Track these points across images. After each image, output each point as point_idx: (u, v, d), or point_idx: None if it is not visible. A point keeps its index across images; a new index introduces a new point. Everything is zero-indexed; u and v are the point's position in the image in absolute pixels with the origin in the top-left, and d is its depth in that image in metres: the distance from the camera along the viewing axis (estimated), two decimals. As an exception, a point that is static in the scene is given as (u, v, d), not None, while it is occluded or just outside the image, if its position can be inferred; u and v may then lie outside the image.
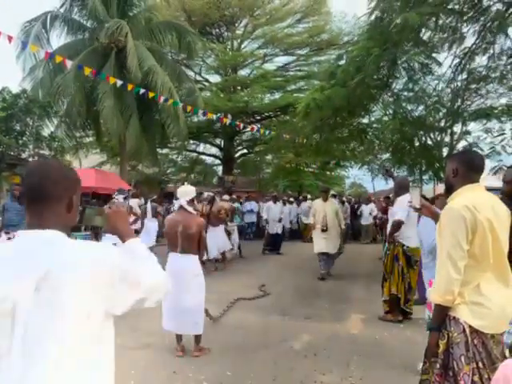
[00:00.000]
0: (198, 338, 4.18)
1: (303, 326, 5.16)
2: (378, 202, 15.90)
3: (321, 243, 8.15)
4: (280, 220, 12.13)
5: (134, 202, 12.11)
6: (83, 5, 14.22)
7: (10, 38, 8.01)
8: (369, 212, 14.93)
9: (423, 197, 3.47)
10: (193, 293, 4.08)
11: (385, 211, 8.23)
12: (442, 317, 2.06)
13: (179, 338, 4.22)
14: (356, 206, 16.52)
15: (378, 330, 5.01)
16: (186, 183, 4.61)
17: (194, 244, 4.11)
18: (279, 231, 12.18)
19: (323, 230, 8.07)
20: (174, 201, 3.63)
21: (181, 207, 4.18)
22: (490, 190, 2.25)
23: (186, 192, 4.21)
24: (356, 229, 15.79)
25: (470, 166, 2.18)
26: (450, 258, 2.01)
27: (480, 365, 1.94)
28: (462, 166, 2.19)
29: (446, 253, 2.03)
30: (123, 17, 13.95)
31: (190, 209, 4.19)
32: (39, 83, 13.34)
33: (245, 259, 10.75)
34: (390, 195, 9.53)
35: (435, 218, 2.39)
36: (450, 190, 2.25)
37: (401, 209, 5.27)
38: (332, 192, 18.69)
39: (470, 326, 1.98)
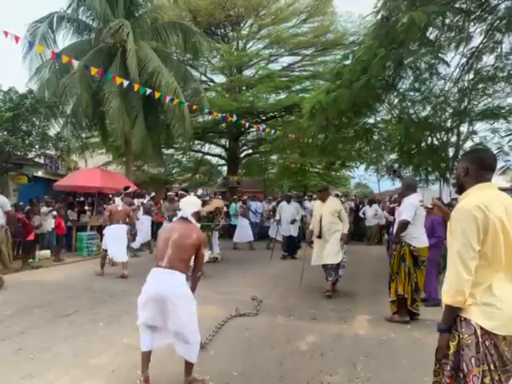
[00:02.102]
0: (188, 366, 3.36)
1: (309, 326, 5.14)
2: (383, 203, 15.77)
3: (316, 253, 6.89)
4: (293, 222, 11.16)
5: (139, 202, 12.19)
6: (89, 5, 14.29)
7: (17, 39, 8.06)
8: (373, 213, 14.82)
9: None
10: (181, 322, 3.22)
11: (391, 212, 7.96)
12: (453, 318, 2.04)
13: (146, 362, 3.37)
14: (360, 206, 16.39)
15: (385, 330, 4.98)
16: (192, 193, 4.16)
17: (186, 260, 3.32)
18: (293, 233, 11.24)
19: (317, 237, 6.86)
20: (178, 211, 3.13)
21: (181, 218, 3.51)
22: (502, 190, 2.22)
23: (191, 203, 3.58)
24: (360, 230, 15.67)
25: (481, 165, 2.14)
26: (461, 258, 1.98)
27: (491, 367, 1.91)
28: (472, 165, 2.15)
29: (456, 253, 2.01)
30: (129, 17, 14.01)
31: (194, 221, 3.51)
32: (45, 83, 13.44)
33: (250, 260, 10.73)
34: (396, 196, 9.48)
35: (447, 217, 2.36)
36: (461, 190, 2.22)
37: (407, 209, 5.25)
38: (336, 192, 18.68)
39: (482, 328, 1.95)
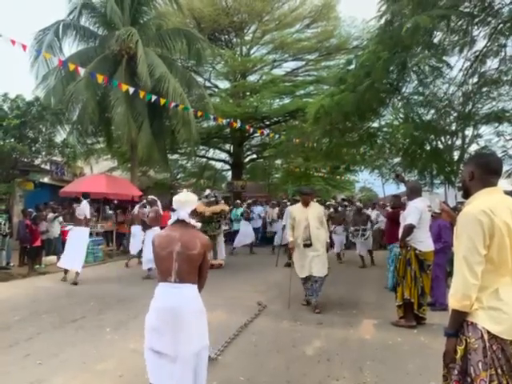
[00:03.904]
0: None
1: (315, 331, 5.13)
2: (379, 207, 15.50)
3: (306, 264, 6.07)
4: None
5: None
6: (94, 13, 14.45)
7: (24, 47, 8.15)
8: (375, 218, 14.64)
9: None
10: (194, 338, 2.89)
11: (389, 217, 7.69)
12: (459, 322, 2.04)
13: None
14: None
15: (391, 335, 4.96)
16: (185, 190, 3.30)
17: (195, 270, 2.98)
18: None
19: (306, 246, 6.06)
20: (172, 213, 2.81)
21: (178, 221, 3.03)
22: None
23: (186, 202, 3.07)
24: None
25: (486, 169, 2.15)
26: (467, 262, 1.99)
27: (499, 371, 1.91)
28: (478, 170, 2.15)
29: (462, 258, 2.01)
30: (134, 24, 14.15)
31: (193, 222, 3.06)
32: (52, 91, 13.58)
33: (254, 266, 10.71)
34: (388, 204, 9.34)
35: (454, 222, 2.37)
36: (466, 194, 2.22)
37: (412, 213, 5.24)
38: (342, 197, 18.64)
39: (489, 332, 1.95)
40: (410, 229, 5.20)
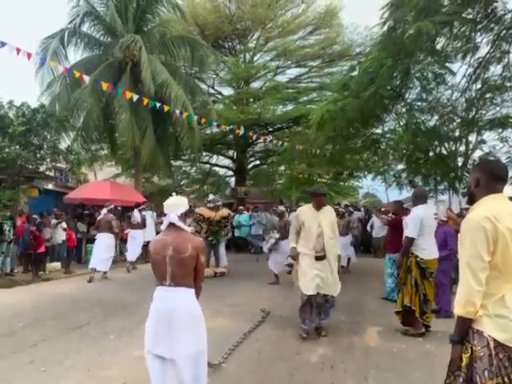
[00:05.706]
0: None
1: (319, 338, 5.11)
2: (378, 214, 15.31)
3: (314, 278, 4.99)
4: None
5: (148, 215, 12.30)
6: (98, 21, 14.58)
7: (28, 55, 8.23)
8: (380, 224, 14.53)
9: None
10: (189, 341, 2.90)
11: (390, 223, 7.60)
12: (465, 329, 2.03)
13: None
14: (366, 217, 16.15)
15: (396, 342, 4.93)
16: (174, 194, 3.40)
17: (190, 273, 3.00)
18: None
19: (319, 258, 5.02)
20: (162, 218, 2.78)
21: (170, 224, 3.07)
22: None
23: (176, 205, 3.11)
24: (366, 242, 15.40)
25: (492, 176, 2.15)
26: (471, 269, 1.98)
27: (506, 379, 1.90)
28: (483, 176, 2.16)
29: (466, 264, 2.01)
30: (138, 32, 14.27)
31: (183, 225, 3.08)
32: (56, 98, 13.67)
33: (258, 273, 10.66)
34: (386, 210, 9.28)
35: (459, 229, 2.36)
36: (471, 200, 2.23)
37: (411, 223, 5.18)
38: (345, 202, 18.56)
39: (495, 340, 1.94)
40: (410, 242, 5.15)
